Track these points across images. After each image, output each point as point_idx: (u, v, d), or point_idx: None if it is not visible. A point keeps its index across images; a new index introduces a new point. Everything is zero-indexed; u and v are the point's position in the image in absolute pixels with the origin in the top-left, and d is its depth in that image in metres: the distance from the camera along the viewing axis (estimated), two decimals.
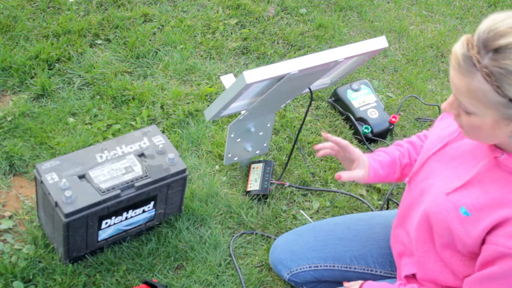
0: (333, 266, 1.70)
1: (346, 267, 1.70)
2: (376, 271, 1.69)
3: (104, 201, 1.69)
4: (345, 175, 1.59)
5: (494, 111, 1.14)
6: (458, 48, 1.15)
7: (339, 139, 1.61)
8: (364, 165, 1.61)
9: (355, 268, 1.69)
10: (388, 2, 3.38)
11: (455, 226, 1.30)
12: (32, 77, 2.36)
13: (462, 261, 1.35)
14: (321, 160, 2.33)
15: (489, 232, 1.25)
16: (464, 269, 1.35)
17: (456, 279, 1.39)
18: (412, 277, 1.50)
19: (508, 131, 1.18)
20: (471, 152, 1.35)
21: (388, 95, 2.75)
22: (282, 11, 3.05)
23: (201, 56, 2.67)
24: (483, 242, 1.27)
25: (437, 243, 1.38)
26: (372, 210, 2.18)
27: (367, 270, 1.69)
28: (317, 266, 1.71)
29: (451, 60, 1.17)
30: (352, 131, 2.50)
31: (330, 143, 1.64)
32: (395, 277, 1.65)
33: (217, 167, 2.22)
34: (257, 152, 2.21)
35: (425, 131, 1.70)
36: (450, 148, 1.41)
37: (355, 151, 1.62)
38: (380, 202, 2.24)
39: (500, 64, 1.09)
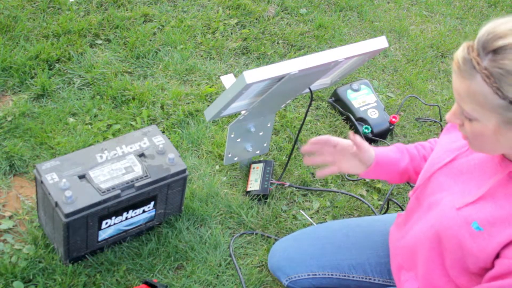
0: (331, 275, 1.70)
1: (345, 276, 1.69)
2: (374, 280, 1.68)
3: (104, 201, 1.69)
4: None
5: (495, 115, 1.14)
6: (459, 52, 1.16)
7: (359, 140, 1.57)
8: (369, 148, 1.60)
9: (353, 277, 1.69)
10: (388, 2, 3.38)
11: (467, 242, 1.28)
12: (32, 77, 2.36)
13: (470, 277, 1.33)
14: None
15: (504, 246, 1.23)
16: (471, 284, 1.34)
17: None
18: None
19: (511, 137, 1.17)
20: (481, 167, 1.33)
21: (388, 95, 2.75)
22: (282, 11, 3.05)
23: (201, 56, 2.67)
24: (497, 256, 1.25)
25: (446, 259, 1.36)
26: (372, 210, 2.18)
27: (366, 278, 1.68)
28: (315, 274, 1.71)
29: (453, 66, 1.17)
30: (352, 131, 2.50)
31: (326, 138, 1.60)
32: (393, 285, 1.64)
33: (217, 167, 2.22)
34: (257, 152, 2.21)
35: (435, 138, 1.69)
36: (459, 163, 1.39)
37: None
38: (380, 202, 2.24)
39: (499, 64, 1.09)
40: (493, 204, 1.27)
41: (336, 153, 1.62)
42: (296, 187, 2.21)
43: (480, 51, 1.12)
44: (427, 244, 1.39)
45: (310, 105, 2.02)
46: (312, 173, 2.28)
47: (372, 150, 1.59)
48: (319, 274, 1.71)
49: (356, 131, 2.49)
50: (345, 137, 2.45)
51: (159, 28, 2.73)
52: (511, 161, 1.26)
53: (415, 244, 1.45)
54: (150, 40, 2.65)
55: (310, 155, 1.65)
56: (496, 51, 1.10)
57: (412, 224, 1.49)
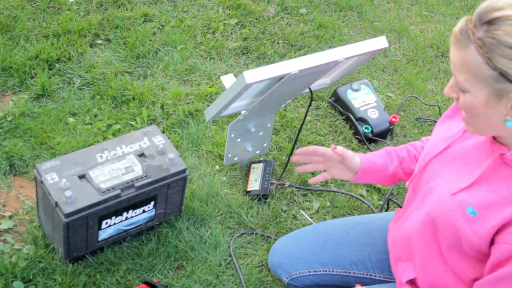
0: (332, 271, 1.71)
1: (345, 272, 1.70)
2: (375, 276, 1.68)
3: (104, 201, 1.69)
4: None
5: (486, 86, 1.16)
6: (458, 24, 1.21)
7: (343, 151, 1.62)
8: (354, 155, 1.64)
9: (354, 273, 1.69)
10: (388, 2, 3.38)
11: (462, 227, 1.29)
12: (32, 77, 2.36)
13: (468, 263, 1.34)
14: None
15: (498, 231, 1.24)
16: (470, 271, 1.34)
17: (458, 282, 1.38)
18: (412, 284, 1.49)
19: (500, 112, 1.18)
20: (474, 152, 1.35)
21: (388, 95, 2.75)
22: (282, 11, 3.05)
23: (201, 56, 2.67)
24: (492, 242, 1.26)
25: (442, 245, 1.37)
26: (372, 210, 2.18)
27: (366, 275, 1.69)
28: (316, 271, 1.71)
29: (451, 38, 1.21)
30: (352, 131, 2.50)
31: (313, 148, 1.66)
32: (394, 282, 1.64)
33: (217, 167, 2.22)
34: (257, 152, 2.21)
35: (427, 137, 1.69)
36: (453, 149, 1.40)
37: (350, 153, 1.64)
38: (380, 202, 2.24)
39: (491, 34, 1.13)
40: (487, 188, 1.28)
41: (324, 161, 1.68)
42: (296, 187, 2.21)
43: (476, 22, 1.17)
44: (423, 231, 1.41)
45: (310, 105, 2.02)
46: (312, 173, 2.28)
47: (356, 157, 1.63)
48: (320, 271, 1.71)
49: (356, 131, 2.49)
50: (344, 137, 2.46)
51: (159, 28, 2.73)
52: (502, 143, 1.28)
53: (412, 233, 1.46)
54: (150, 40, 2.65)
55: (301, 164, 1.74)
56: (491, 22, 1.14)
57: (408, 214, 1.50)
